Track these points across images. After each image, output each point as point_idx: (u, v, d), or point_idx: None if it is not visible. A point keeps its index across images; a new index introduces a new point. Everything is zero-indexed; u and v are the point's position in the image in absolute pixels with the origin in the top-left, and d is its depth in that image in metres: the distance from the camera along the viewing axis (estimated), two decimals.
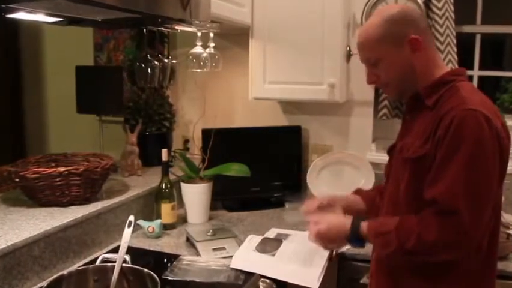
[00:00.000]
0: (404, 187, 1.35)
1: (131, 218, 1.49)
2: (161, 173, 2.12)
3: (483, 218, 1.23)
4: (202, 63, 2.20)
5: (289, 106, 2.62)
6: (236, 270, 1.63)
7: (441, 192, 1.22)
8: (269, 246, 1.77)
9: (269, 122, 2.59)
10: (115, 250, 1.49)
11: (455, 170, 1.22)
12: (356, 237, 1.39)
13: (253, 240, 1.83)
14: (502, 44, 2.83)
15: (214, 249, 1.79)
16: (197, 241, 1.84)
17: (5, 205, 1.81)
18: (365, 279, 1.78)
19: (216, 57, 2.24)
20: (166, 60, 2.31)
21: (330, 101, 2.27)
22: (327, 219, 1.48)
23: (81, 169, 1.79)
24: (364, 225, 1.38)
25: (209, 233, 1.89)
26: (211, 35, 2.22)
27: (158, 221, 2.00)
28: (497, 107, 2.09)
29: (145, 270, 1.40)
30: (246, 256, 1.71)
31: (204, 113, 2.43)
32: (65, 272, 1.45)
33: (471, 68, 2.46)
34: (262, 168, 2.36)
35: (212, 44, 2.23)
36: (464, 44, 2.34)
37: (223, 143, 2.31)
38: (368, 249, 1.49)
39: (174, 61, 2.41)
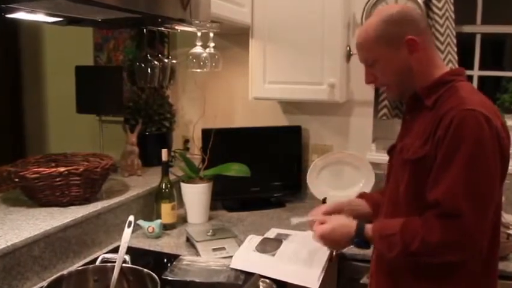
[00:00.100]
0: (403, 188, 1.35)
1: (131, 218, 1.49)
2: (161, 173, 2.12)
3: (487, 219, 1.23)
4: (202, 63, 2.20)
5: (289, 106, 2.62)
6: (236, 270, 1.63)
7: (443, 194, 1.22)
8: (269, 246, 1.77)
9: (269, 122, 2.59)
10: (115, 250, 1.49)
11: (456, 171, 1.22)
12: (360, 240, 1.40)
13: (253, 240, 1.83)
14: (502, 44, 2.83)
15: (214, 249, 1.79)
16: (197, 241, 1.84)
17: (4, 205, 1.81)
18: (365, 280, 1.78)
19: (216, 57, 2.24)
20: (166, 60, 2.31)
21: (330, 101, 2.27)
22: (333, 220, 1.49)
23: (81, 169, 1.79)
24: (369, 227, 1.39)
25: (209, 233, 1.89)
26: (211, 35, 2.22)
27: (158, 221, 2.00)
28: (498, 107, 2.10)
29: (145, 270, 1.40)
30: (246, 256, 1.70)
31: (204, 113, 2.43)
32: (65, 272, 1.44)
33: (471, 68, 2.46)
34: (262, 168, 2.36)
35: (212, 44, 2.23)
36: (465, 44, 2.34)
37: (223, 143, 2.31)
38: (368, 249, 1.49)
39: (174, 61, 2.41)
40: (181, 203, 2.20)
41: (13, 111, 3.32)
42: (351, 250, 1.84)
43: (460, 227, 1.21)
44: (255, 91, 2.35)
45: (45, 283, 1.37)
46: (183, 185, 2.19)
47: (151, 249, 1.87)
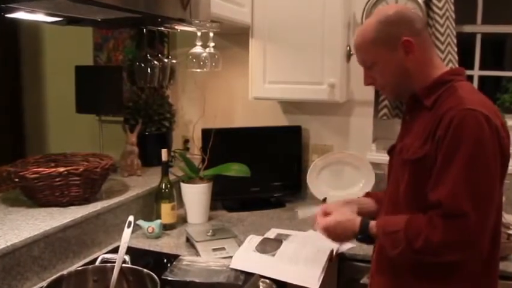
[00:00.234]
0: (403, 188, 1.35)
1: (131, 218, 1.49)
2: (161, 173, 2.11)
3: (489, 218, 1.23)
4: (202, 63, 2.20)
5: (289, 106, 2.61)
6: (236, 270, 1.62)
7: (444, 194, 1.22)
8: (269, 246, 1.77)
9: (269, 122, 2.58)
10: (115, 250, 1.49)
11: (456, 171, 1.21)
12: (364, 235, 1.40)
13: (253, 240, 1.83)
14: (503, 44, 2.83)
15: (214, 250, 1.79)
16: (197, 241, 1.84)
17: (4, 205, 1.81)
18: (365, 280, 1.78)
19: (216, 57, 2.24)
20: (165, 60, 2.30)
21: (330, 101, 2.27)
22: (337, 214, 1.49)
23: (81, 169, 1.79)
24: (373, 223, 1.39)
25: (209, 233, 1.89)
26: (211, 34, 2.22)
27: (158, 221, 2.00)
28: (498, 107, 2.09)
29: (145, 270, 1.40)
30: (246, 256, 1.70)
31: (204, 113, 2.43)
32: (64, 272, 1.44)
33: (471, 68, 2.46)
34: (262, 168, 2.36)
35: (212, 44, 2.22)
36: (465, 43, 2.34)
37: (223, 143, 2.30)
38: (368, 249, 1.49)
39: (174, 61, 2.40)
40: (181, 203, 2.19)
41: (13, 111, 3.31)
42: (351, 250, 1.84)
43: (462, 227, 1.21)
44: (255, 91, 2.35)
45: (45, 283, 1.37)
46: (183, 185, 2.19)
47: (151, 249, 1.87)
